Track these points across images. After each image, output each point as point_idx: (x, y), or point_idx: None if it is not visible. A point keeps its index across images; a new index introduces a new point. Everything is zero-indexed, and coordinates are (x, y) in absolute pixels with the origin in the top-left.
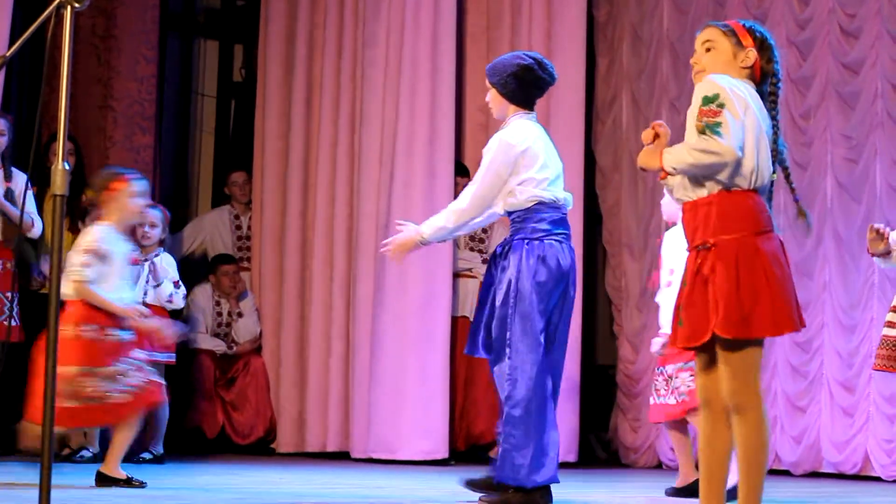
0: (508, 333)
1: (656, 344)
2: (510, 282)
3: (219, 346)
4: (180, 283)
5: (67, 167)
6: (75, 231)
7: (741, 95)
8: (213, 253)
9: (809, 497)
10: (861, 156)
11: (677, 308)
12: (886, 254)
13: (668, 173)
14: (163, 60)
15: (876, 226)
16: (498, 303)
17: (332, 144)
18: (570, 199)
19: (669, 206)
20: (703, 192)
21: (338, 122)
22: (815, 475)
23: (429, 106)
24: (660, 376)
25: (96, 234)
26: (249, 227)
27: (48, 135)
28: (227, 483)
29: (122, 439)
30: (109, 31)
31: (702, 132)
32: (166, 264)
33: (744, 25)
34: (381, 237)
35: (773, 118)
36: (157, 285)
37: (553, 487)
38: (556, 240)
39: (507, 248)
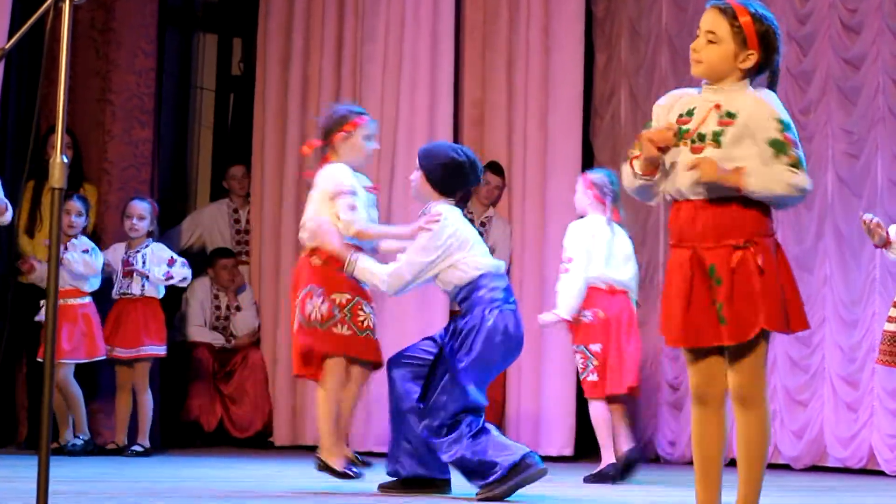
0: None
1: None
2: (466, 345)
3: (217, 339)
4: (176, 258)
5: (65, 160)
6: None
7: None
8: (212, 247)
9: (812, 491)
10: (862, 151)
11: (697, 306)
12: (884, 245)
13: (745, 194)
14: (161, 54)
15: (865, 218)
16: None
17: None
18: (503, 265)
19: (581, 201)
20: (723, 192)
21: None
22: (815, 469)
23: (428, 101)
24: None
25: (339, 174)
26: (248, 221)
27: (46, 127)
28: (225, 476)
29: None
30: (108, 24)
31: (794, 165)
32: (157, 252)
33: (752, 19)
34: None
35: None
36: (147, 277)
37: (549, 481)
38: (511, 309)
39: (467, 319)
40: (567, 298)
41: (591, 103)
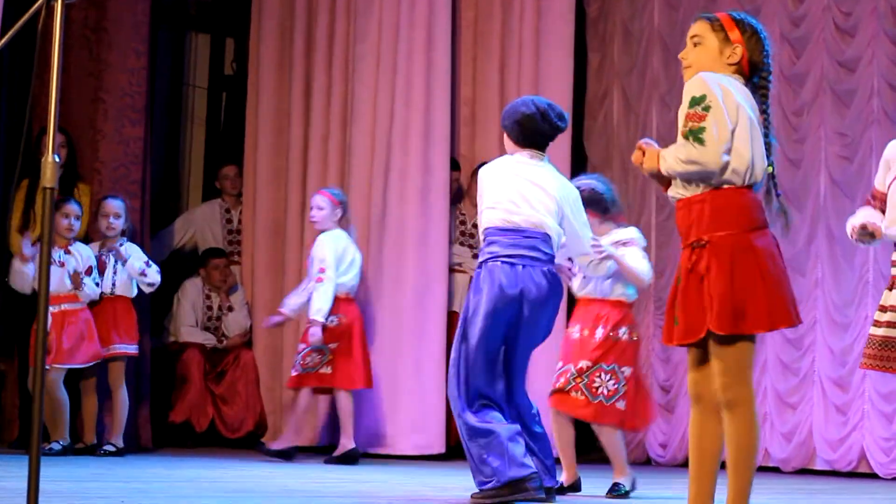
0: (455, 357)
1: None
2: (471, 305)
3: (209, 339)
4: (151, 262)
5: (57, 159)
6: None
7: (730, 93)
8: (204, 246)
9: (802, 494)
10: (856, 153)
11: (671, 306)
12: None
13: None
14: (154, 53)
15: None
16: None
17: (324, 138)
18: (548, 227)
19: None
20: (696, 190)
21: (330, 115)
22: (804, 472)
23: (424, 100)
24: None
25: None
26: (240, 221)
27: (39, 127)
28: (216, 476)
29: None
30: (100, 23)
31: (685, 138)
32: (130, 251)
33: (733, 18)
34: (376, 232)
35: (764, 112)
36: (124, 262)
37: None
38: (504, 261)
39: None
40: None
41: (583, 104)
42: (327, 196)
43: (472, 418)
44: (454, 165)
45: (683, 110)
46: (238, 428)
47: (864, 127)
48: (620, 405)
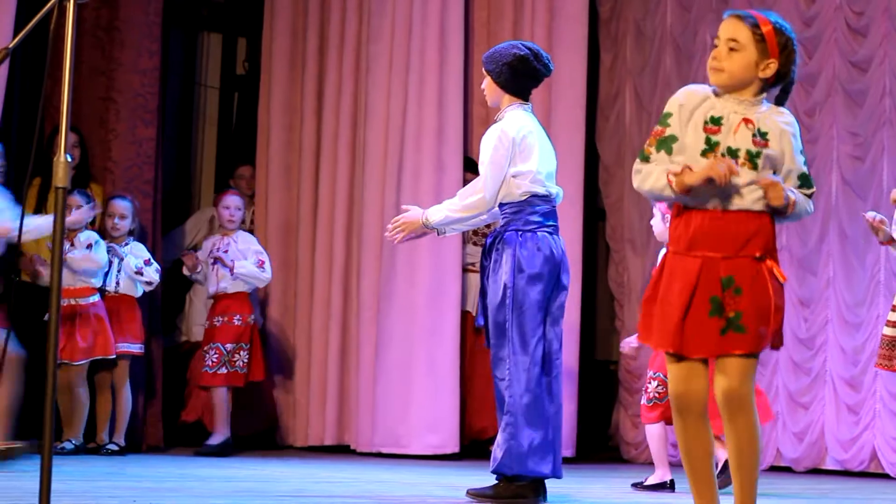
0: (507, 330)
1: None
2: (505, 279)
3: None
4: (152, 261)
5: (70, 159)
6: None
7: None
8: None
9: (814, 494)
10: (868, 153)
11: (709, 314)
12: (889, 241)
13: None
14: (166, 53)
15: (868, 216)
16: (492, 298)
17: (336, 138)
18: (560, 192)
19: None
20: (762, 205)
21: (341, 115)
22: (816, 472)
23: (437, 99)
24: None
25: None
26: (252, 221)
27: (51, 127)
28: (228, 475)
29: None
30: (113, 23)
31: (810, 195)
32: (135, 250)
33: (775, 30)
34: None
35: None
36: (121, 260)
37: (553, 481)
38: (547, 231)
39: (497, 239)
40: None
41: (595, 103)
42: (239, 196)
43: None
44: (470, 165)
45: (801, 162)
46: (249, 428)
47: (875, 127)
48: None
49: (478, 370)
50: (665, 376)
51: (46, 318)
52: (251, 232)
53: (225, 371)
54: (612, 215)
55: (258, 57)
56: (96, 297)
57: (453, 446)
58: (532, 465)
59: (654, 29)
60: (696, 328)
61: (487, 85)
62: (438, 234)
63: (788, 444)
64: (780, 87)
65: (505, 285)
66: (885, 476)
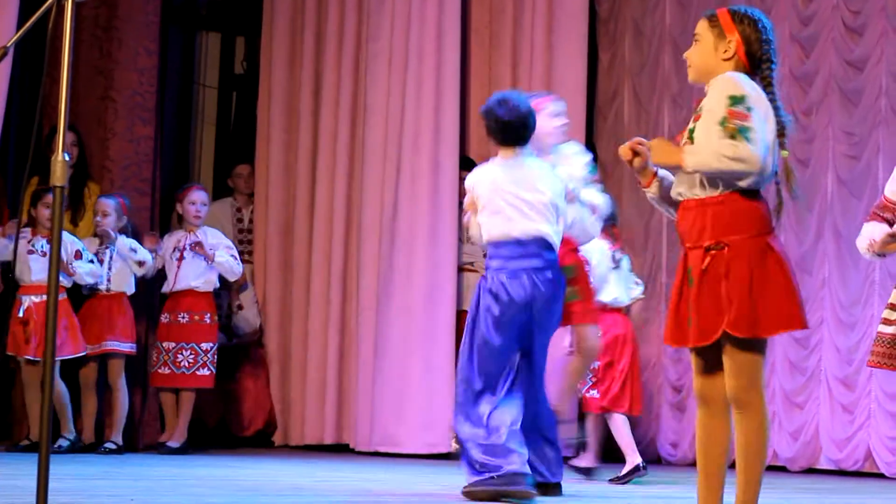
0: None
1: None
2: (471, 315)
3: (219, 337)
4: (138, 247)
5: (67, 158)
6: (75, 223)
7: (762, 99)
8: None
9: (809, 493)
10: (863, 152)
11: (676, 308)
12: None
13: (634, 157)
14: (164, 52)
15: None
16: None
17: (335, 137)
18: (528, 230)
19: None
20: (714, 192)
21: (340, 115)
22: (811, 471)
23: (434, 99)
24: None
25: None
26: (251, 220)
27: (50, 126)
28: (226, 474)
29: None
30: (111, 22)
31: (732, 136)
32: (123, 243)
33: (729, 12)
34: (386, 230)
35: (771, 96)
36: (113, 242)
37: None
38: (506, 273)
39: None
40: None
41: (594, 103)
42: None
43: (473, 413)
44: (469, 164)
45: (718, 107)
46: (248, 426)
47: (871, 126)
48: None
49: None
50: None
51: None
52: (249, 231)
53: (207, 372)
54: None
55: (257, 56)
56: (63, 296)
57: (447, 445)
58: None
59: (652, 28)
60: (676, 319)
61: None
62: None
63: (784, 444)
64: (760, 75)
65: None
66: (880, 475)
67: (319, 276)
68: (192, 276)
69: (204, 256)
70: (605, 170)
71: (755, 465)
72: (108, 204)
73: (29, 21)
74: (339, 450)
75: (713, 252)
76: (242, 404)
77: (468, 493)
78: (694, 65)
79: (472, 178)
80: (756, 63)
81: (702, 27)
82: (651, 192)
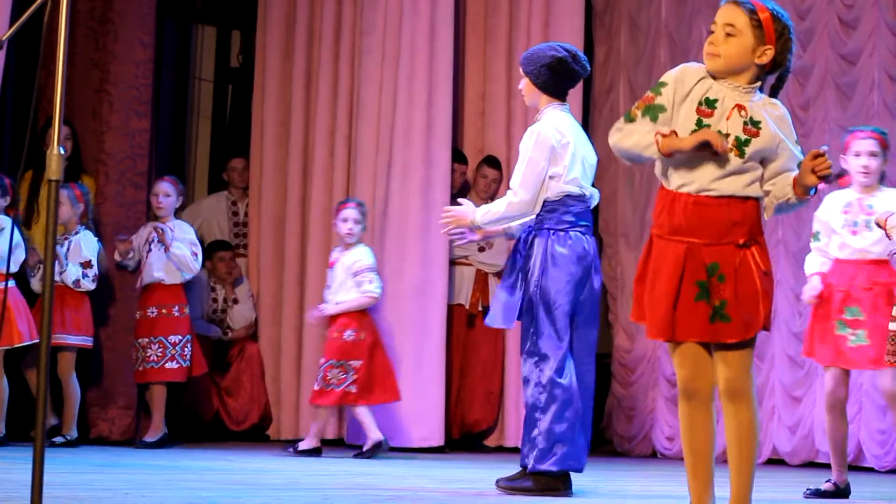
0: (535, 325)
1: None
2: (535, 274)
3: (214, 331)
4: (93, 263)
5: (62, 152)
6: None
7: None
8: (210, 239)
9: (800, 487)
10: None
11: (693, 300)
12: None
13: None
14: (160, 45)
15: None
16: (523, 290)
17: (330, 131)
18: (596, 194)
19: None
20: (745, 192)
21: (335, 108)
22: (810, 465)
23: (426, 93)
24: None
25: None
26: (246, 214)
27: (44, 119)
28: (221, 468)
29: None
30: (106, 15)
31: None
32: (83, 243)
33: (772, 16)
34: (379, 224)
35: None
36: (62, 272)
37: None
38: (580, 231)
39: (531, 235)
40: None
41: (590, 96)
42: (173, 182)
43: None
44: (462, 159)
45: (795, 148)
46: (243, 420)
47: (864, 120)
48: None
49: (471, 363)
50: (337, 361)
51: None
52: (245, 224)
53: (176, 365)
54: (605, 209)
55: (252, 49)
56: (11, 284)
57: (439, 439)
58: (552, 461)
59: (648, 22)
60: (684, 312)
61: (525, 86)
62: (480, 237)
63: (783, 438)
64: (775, 77)
65: (537, 282)
66: (870, 469)
67: (313, 270)
68: (157, 268)
69: (163, 244)
70: (601, 164)
71: (749, 456)
72: (62, 194)
73: (24, 14)
74: (333, 444)
75: (745, 249)
76: (237, 398)
77: (506, 489)
78: (726, 56)
79: (557, 127)
80: (774, 69)
81: (742, 22)
82: (667, 158)
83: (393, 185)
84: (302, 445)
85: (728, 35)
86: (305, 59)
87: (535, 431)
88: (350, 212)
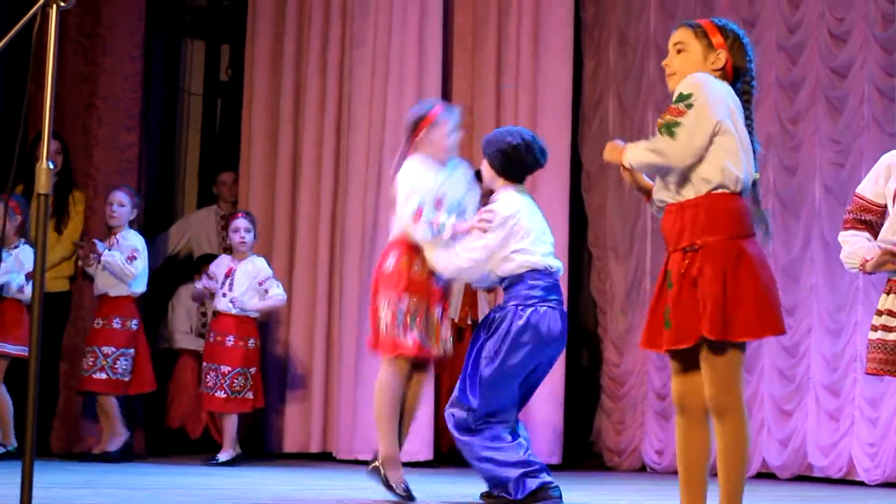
0: (486, 372)
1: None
2: (502, 333)
3: (202, 345)
4: (25, 280)
5: (52, 166)
6: (59, 231)
7: (723, 98)
8: (199, 253)
9: (796, 501)
10: (847, 159)
11: (660, 310)
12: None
13: (626, 168)
14: (149, 59)
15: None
16: (484, 353)
17: (317, 144)
18: (560, 267)
19: None
20: (689, 194)
21: (323, 121)
22: (801, 479)
23: (415, 104)
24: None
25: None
26: None
27: (34, 133)
28: (209, 483)
29: None
30: (95, 29)
31: (659, 130)
32: (23, 257)
33: (715, 24)
34: (369, 237)
35: (748, 118)
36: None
37: None
38: (549, 306)
39: (501, 313)
40: None
41: (579, 109)
42: (128, 193)
43: (483, 436)
44: None
45: (670, 105)
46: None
47: (855, 133)
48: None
49: (457, 377)
50: (243, 369)
51: None
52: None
53: (104, 377)
54: (594, 222)
55: (242, 63)
56: None
57: (427, 454)
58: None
59: (637, 35)
60: (652, 323)
61: (484, 167)
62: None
63: (773, 452)
64: (742, 88)
65: (497, 348)
66: (863, 483)
67: (301, 283)
68: (101, 279)
69: (96, 255)
70: (590, 177)
71: (737, 472)
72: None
73: (13, 28)
74: (322, 458)
75: (689, 254)
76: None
77: None
78: (681, 73)
79: (511, 206)
80: (739, 76)
81: (686, 36)
82: (653, 208)
83: (383, 197)
84: (222, 457)
85: (679, 52)
86: (294, 73)
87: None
88: (241, 222)
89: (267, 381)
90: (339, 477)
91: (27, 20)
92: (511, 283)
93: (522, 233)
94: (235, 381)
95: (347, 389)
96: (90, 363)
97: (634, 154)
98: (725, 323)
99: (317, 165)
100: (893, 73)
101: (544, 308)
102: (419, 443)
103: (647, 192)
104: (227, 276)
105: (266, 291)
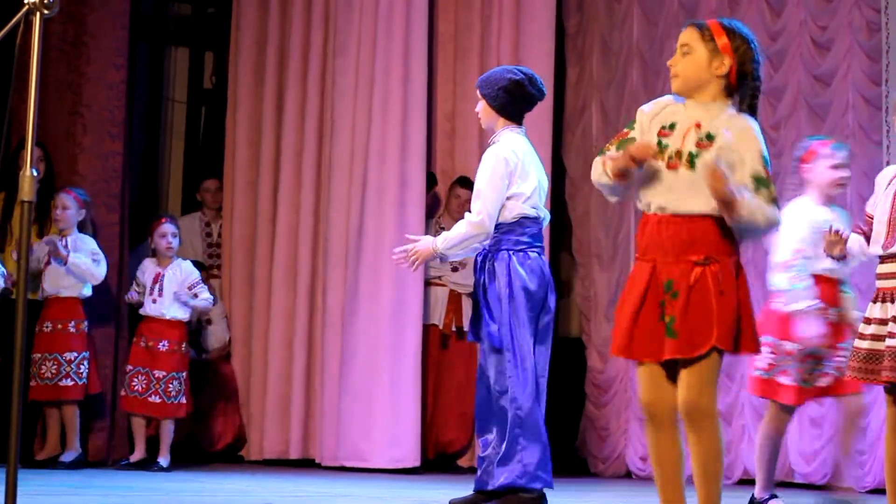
0: (508, 344)
1: None
2: (502, 293)
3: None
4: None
5: (35, 173)
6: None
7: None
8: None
9: None
10: None
11: (651, 319)
12: (842, 258)
13: (737, 216)
14: (133, 67)
15: (836, 227)
16: (488, 312)
17: (297, 152)
18: (548, 215)
19: None
20: (701, 208)
21: (303, 129)
22: (782, 485)
23: (401, 114)
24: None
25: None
26: (220, 235)
27: (17, 141)
28: (194, 489)
29: None
30: (79, 37)
31: (773, 201)
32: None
33: (723, 26)
34: (353, 245)
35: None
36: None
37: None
38: (536, 252)
39: (488, 257)
40: None
41: (562, 118)
42: (73, 196)
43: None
44: (432, 180)
45: (756, 163)
46: (217, 441)
47: (839, 140)
48: None
49: (445, 383)
50: (177, 373)
51: None
52: (218, 245)
53: (71, 383)
54: (578, 229)
55: (225, 71)
56: None
57: (414, 460)
58: (546, 477)
59: (620, 44)
60: (644, 332)
61: (482, 108)
62: (441, 261)
63: (754, 459)
64: (747, 93)
65: (502, 300)
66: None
67: (281, 291)
68: (54, 281)
69: (60, 259)
70: (574, 184)
71: (714, 478)
72: None
73: None
74: (306, 465)
75: (701, 267)
76: (211, 419)
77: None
78: (684, 76)
79: (515, 149)
80: (743, 80)
81: (692, 38)
82: (618, 184)
83: (368, 205)
84: (163, 462)
85: (684, 54)
86: (276, 81)
87: (516, 450)
88: (167, 227)
89: (249, 389)
90: (323, 484)
91: (10, 28)
92: (504, 229)
93: (521, 177)
94: (170, 385)
95: (331, 397)
96: (53, 371)
97: (755, 218)
98: (735, 336)
99: (297, 173)
100: (880, 81)
101: (532, 253)
102: (406, 449)
103: (625, 175)
104: (154, 281)
105: (196, 296)
